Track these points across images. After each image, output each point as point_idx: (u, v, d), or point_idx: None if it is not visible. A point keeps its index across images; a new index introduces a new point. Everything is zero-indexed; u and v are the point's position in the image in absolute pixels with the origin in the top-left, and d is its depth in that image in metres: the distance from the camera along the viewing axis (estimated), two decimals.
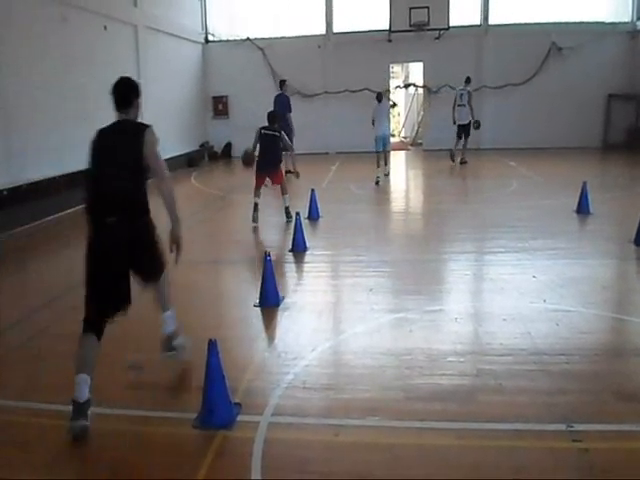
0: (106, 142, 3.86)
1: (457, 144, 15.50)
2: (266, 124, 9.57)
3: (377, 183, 12.79)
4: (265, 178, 9.31)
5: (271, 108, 11.92)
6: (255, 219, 8.97)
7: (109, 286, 3.75)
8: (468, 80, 15.48)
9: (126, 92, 4.10)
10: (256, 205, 9.05)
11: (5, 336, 5.15)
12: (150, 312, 5.35)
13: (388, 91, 14.99)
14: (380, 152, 13.48)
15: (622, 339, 4.82)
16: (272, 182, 9.37)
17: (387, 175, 13.92)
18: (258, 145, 9.33)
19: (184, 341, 4.38)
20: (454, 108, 15.27)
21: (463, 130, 15.33)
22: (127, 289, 3.85)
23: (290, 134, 13.03)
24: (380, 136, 13.53)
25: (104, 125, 3.91)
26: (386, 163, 13.89)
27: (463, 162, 15.38)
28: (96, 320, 3.74)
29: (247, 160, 9.02)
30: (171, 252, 4.03)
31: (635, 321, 4.93)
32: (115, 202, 3.71)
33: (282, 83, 15.37)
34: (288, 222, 9.02)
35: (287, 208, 9.32)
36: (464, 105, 15.12)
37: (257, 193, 9.15)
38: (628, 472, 2.95)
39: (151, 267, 4.08)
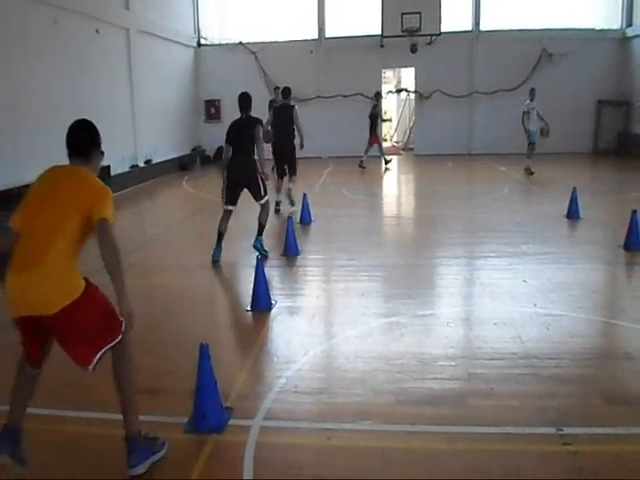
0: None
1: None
2: None
3: (531, 173, 13.99)
4: None
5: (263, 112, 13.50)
6: None
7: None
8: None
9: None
10: None
11: None
12: (138, 319, 5.34)
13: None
14: (533, 144, 14.20)
15: (612, 343, 4.85)
16: None
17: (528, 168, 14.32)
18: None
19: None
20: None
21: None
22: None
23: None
24: (532, 130, 14.21)
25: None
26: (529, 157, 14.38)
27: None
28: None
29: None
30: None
31: (625, 325, 4.97)
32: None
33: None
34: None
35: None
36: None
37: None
38: (617, 475, 2.98)
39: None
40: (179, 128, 18.19)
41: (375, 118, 16.65)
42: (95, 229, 2.89)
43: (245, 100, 7.68)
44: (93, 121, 3.23)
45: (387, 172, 16.55)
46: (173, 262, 7.67)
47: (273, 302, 5.60)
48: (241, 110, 7.65)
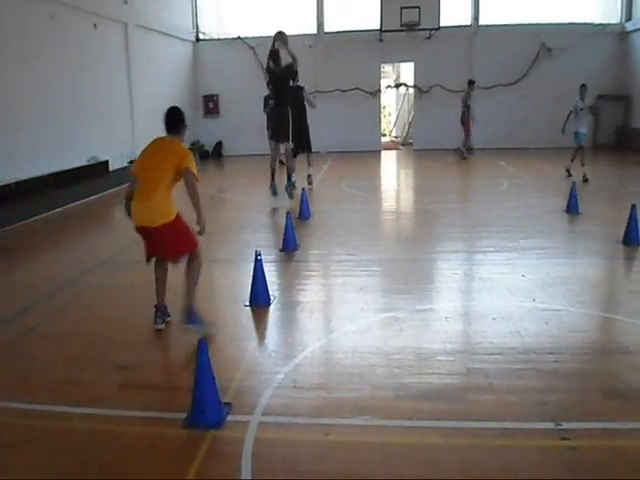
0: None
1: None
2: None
3: (569, 175, 12.42)
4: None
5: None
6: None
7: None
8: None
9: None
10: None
11: None
12: (137, 315, 5.34)
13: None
14: (580, 147, 12.52)
15: (610, 338, 4.85)
16: None
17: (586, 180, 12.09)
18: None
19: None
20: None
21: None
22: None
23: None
24: (581, 132, 12.50)
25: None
26: (583, 164, 12.37)
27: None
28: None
29: None
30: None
31: (623, 320, 4.97)
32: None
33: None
34: None
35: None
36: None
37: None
38: (615, 469, 2.98)
39: (303, 141, 11.69)
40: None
41: (468, 108, 16.53)
42: (183, 175, 4.63)
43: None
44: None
45: (465, 160, 16.48)
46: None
47: (272, 297, 5.60)
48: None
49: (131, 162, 14.70)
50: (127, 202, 4.82)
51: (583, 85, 12.57)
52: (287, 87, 10.82)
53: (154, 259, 5.01)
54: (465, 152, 16.66)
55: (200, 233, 4.82)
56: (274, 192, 10.55)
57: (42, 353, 4.62)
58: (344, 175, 14.53)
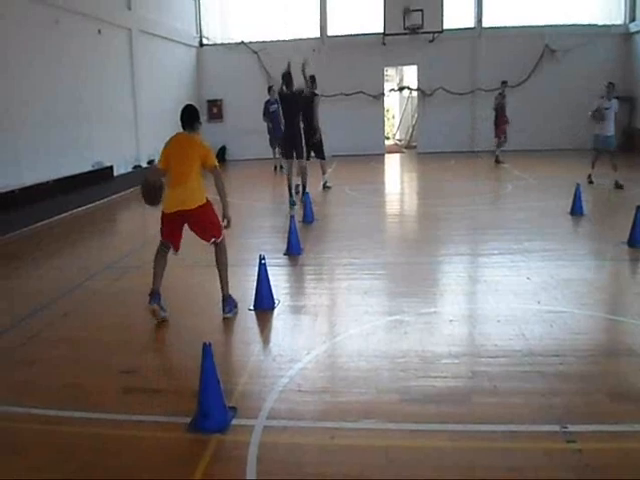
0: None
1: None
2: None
3: (620, 186, 11.12)
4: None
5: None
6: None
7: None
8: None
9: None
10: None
11: None
12: (141, 320, 5.35)
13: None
14: (598, 150, 11.85)
15: (615, 340, 4.83)
16: None
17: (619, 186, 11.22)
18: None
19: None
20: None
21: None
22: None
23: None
24: (604, 135, 11.70)
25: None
26: (593, 166, 11.88)
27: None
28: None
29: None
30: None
31: (628, 321, 4.95)
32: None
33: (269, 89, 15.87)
34: None
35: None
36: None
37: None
38: (622, 472, 2.96)
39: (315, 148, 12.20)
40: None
41: (502, 109, 15.74)
42: (210, 171, 5.22)
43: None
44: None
45: (500, 165, 15.67)
46: (175, 261, 7.67)
47: (276, 301, 5.61)
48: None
49: (136, 167, 14.78)
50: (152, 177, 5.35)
51: (610, 83, 11.58)
52: (298, 110, 10.87)
53: (161, 253, 5.40)
54: (500, 156, 15.87)
55: (227, 227, 5.31)
56: (292, 203, 10.65)
57: (46, 358, 4.64)
58: (348, 178, 14.54)
